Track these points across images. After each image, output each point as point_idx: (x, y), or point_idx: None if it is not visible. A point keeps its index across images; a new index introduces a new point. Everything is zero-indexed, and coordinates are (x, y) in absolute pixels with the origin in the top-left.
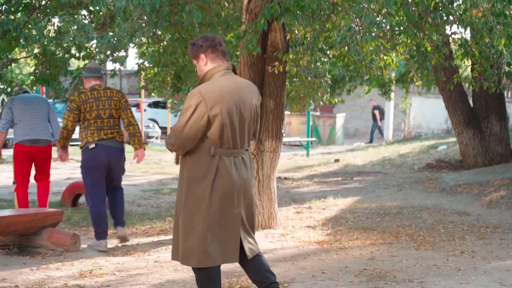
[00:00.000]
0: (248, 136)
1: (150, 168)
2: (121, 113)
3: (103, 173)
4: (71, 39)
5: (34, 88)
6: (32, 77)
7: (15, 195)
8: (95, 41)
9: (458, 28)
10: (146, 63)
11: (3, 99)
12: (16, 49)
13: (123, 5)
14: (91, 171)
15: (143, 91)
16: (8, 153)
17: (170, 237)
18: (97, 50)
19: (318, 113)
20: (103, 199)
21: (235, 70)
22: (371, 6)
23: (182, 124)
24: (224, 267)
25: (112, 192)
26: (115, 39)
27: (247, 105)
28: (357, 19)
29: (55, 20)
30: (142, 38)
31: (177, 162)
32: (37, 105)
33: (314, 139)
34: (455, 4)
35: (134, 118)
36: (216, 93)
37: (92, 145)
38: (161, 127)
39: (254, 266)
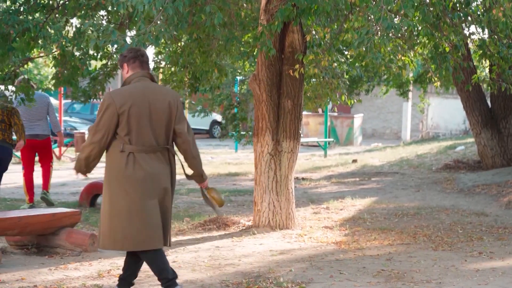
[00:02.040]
0: (165, 134)
1: None
2: (11, 119)
3: None
4: (95, 43)
5: (52, 89)
6: (54, 80)
7: (24, 180)
8: (116, 45)
9: (476, 28)
10: (162, 63)
11: (22, 98)
12: (35, 49)
13: (146, 9)
14: None
15: None
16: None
17: (188, 237)
18: (116, 51)
19: (335, 114)
20: None
21: (152, 78)
22: (389, 7)
23: (95, 124)
24: (242, 267)
25: None
26: (142, 42)
27: (158, 106)
28: (375, 20)
29: (74, 20)
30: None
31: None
32: (38, 104)
33: (331, 139)
34: (473, 4)
35: (20, 123)
36: (125, 94)
37: None
38: None
39: (153, 258)
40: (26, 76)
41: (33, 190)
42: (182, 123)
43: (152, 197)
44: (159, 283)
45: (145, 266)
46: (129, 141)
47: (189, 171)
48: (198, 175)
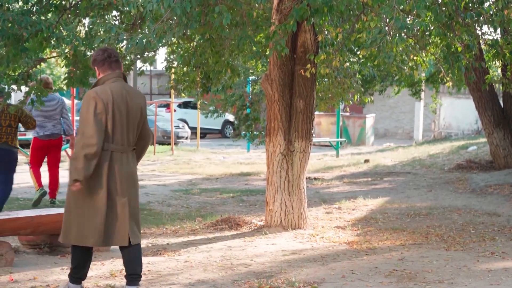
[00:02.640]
0: (134, 136)
1: (180, 168)
2: (22, 118)
3: None
4: (101, 41)
5: (65, 88)
6: (66, 80)
7: (31, 171)
8: (124, 42)
9: (488, 28)
10: (174, 63)
11: (32, 100)
12: (47, 49)
13: (154, 8)
14: None
15: (172, 91)
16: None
17: (200, 237)
18: (126, 51)
19: (347, 114)
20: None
21: (125, 78)
22: (401, 7)
23: (92, 121)
24: (254, 267)
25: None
26: (144, 40)
27: (133, 107)
28: (387, 20)
29: (86, 21)
30: (172, 39)
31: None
32: (52, 105)
33: (343, 139)
34: (486, 4)
35: (32, 120)
36: (107, 93)
37: None
38: (191, 127)
39: (129, 253)
40: (44, 77)
41: (41, 178)
42: (147, 126)
43: (123, 196)
44: (171, 283)
45: (152, 267)
46: (112, 140)
47: None
48: None
